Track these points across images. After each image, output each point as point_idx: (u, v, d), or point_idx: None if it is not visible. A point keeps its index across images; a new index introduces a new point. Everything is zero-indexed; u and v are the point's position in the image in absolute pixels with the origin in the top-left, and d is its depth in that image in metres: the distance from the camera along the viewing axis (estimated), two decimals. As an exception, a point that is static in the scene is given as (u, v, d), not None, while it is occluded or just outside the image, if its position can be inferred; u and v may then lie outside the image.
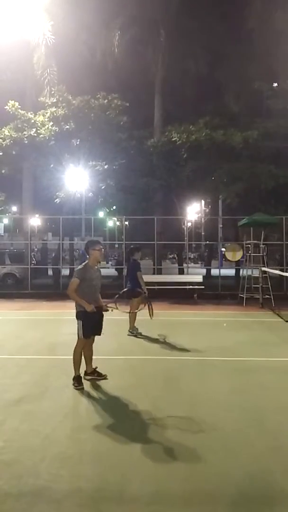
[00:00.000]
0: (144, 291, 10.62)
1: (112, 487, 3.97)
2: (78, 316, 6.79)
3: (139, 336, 10.69)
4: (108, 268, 33.06)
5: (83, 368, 7.00)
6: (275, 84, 21.65)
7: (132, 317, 10.80)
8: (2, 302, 17.67)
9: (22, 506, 3.71)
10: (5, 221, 51.99)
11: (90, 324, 6.75)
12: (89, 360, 7.12)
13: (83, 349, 6.93)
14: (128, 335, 10.72)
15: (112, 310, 7.28)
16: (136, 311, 10.50)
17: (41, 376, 7.37)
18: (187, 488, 3.95)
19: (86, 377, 7.00)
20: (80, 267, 6.88)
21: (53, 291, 20.56)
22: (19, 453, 4.61)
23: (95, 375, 7.08)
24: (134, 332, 10.80)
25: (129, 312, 10.51)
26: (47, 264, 32.19)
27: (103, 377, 7.08)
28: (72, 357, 6.86)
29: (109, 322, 6.69)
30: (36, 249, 35.55)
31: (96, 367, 7.15)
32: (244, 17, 21.70)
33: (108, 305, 7.14)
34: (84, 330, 6.75)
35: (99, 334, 7.03)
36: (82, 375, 6.91)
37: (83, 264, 6.90)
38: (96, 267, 7.00)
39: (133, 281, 10.78)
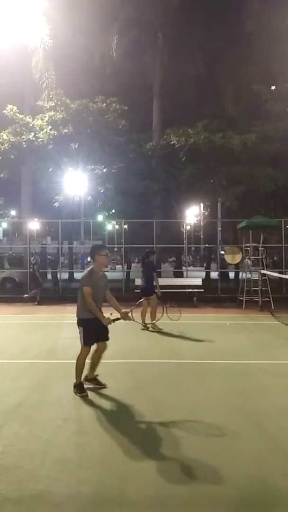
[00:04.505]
0: (157, 291, 12.02)
1: (112, 491, 3.95)
2: (79, 323, 6.62)
3: (149, 328, 11.64)
4: (115, 271, 32.93)
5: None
6: (273, 87, 21.68)
7: (153, 314, 11.82)
8: (1, 307, 17.66)
9: (22, 510, 3.69)
10: (4, 225, 52.17)
11: (91, 331, 6.54)
12: (93, 367, 6.90)
13: (93, 355, 6.76)
14: (152, 330, 11.69)
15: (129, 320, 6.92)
16: (152, 322, 11.72)
17: (40, 380, 7.34)
18: (187, 492, 3.93)
19: (86, 383, 6.78)
20: (85, 273, 6.65)
21: (52, 295, 20.53)
22: (19, 457, 4.59)
23: (94, 383, 6.86)
24: (155, 328, 11.74)
25: (143, 312, 11.74)
26: (46, 268, 32.17)
27: (102, 386, 6.83)
28: (74, 362, 6.70)
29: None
30: (35, 253, 35.50)
31: (97, 375, 6.95)
32: (242, 20, 21.78)
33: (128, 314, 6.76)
34: (85, 337, 6.56)
35: (107, 339, 6.74)
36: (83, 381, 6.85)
37: (88, 270, 6.68)
38: (101, 272, 6.80)
39: (148, 282, 12.04)
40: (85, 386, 6.74)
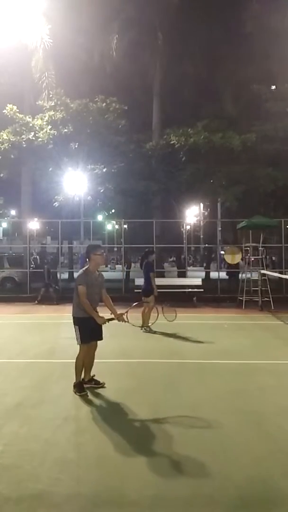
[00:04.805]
0: (154, 291, 11.85)
1: (112, 491, 3.95)
2: (75, 322, 6.65)
3: (150, 331, 11.62)
4: (115, 271, 32.94)
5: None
6: (273, 87, 21.68)
7: (147, 315, 11.74)
8: (1, 306, 17.65)
9: (22, 510, 3.69)
10: (4, 225, 52.21)
11: (87, 329, 6.56)
12: (88, 368, 6.91)
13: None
14: (144, 331, 11.60)
15: (125, 322, 6.98)
16: (150, 323, 11.67)
17: (40, 380, 7.34)
18: (187, 492, 3.93)
19: (84, 385, 6.79)
20: (80, 272, 6.71)
21: (52, 294, 20.50)
22: (19, 457, 4.59)
23: (93, 383, 6.87)
24: (148, 329, 11.65)
25: (143, 312, 11.81)
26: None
27: (100, 385, 6.86)
28: (73, 361, 6.72)
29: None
30: (35, 254, 35.55)
31: (94, 375, 6.96)
32: (242, 20, 21.74)
33: (122, 315, 6.82)
34: (81, 335, 6.59)
35: (100, 339, 6.83)
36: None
37: (83, 269, 6.73)
38: (97, 272, 6.81)
39: (147, 282, 12.02)
40: (85, 386, 6.76)
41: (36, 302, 18.32)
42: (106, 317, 6.55)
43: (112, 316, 6.68)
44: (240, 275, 19.95)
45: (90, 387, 6.81)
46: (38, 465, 4.42)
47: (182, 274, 23.08)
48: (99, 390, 6.72)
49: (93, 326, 6.58)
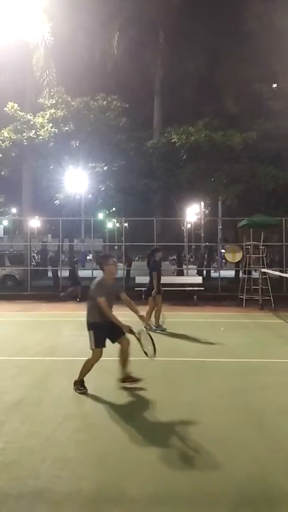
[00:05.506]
0: (153, 290, 11.61)
1: (113, 489, 3.96)
2: (89, 327, 6.57)
3: (164, 332, 11.28)
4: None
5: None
6: (275, 85, 21.63)
7: (157, 314, 11.62)
8: (2, 304, 17.63)
9: (22, 507, 3.70)
10: (5, 222, 52.04)
11: (102, 334, 6.50)
12: (125, 364, 6.75)
13: (120, 353, 6.67)
14: (155, 331, 11.15)
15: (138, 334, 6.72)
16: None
17: (41, 378, 7.35)
18: (187, 489, 3.94)
19: (120, 384, 6.69)
20: (95, 285, 6.56)
21: (52, 292, 20.53)
22: (19, 454, 4.60)
23: (130, 381, 6.72)
24: (159, 328, 11.39)
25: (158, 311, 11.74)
26: (47, 266, 32.16)
27: (137, 380, 6.72)
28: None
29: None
30: (35, 251, 35.47)
31: (130, 372, 6.78)
32: (244, 18, 21.67)
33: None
34: (96, 340, 6.50)
35: (121, 335, 6.58)
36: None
37: (98, 280, 6.64)
38: (111, 280, 6.75)
39: (151, 281, 11.81)
40: (122, 385, 6.69)
41: (78, 300, 18.09)
42: (132, 329, 6.49)
43: (136, 332, 6.59)
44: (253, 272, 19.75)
45: (126, 386, 6.67)
46: (38, 462, 4.43)
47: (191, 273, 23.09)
48: (102, 388, 6.69)
49: (109, 328, 6.51)
